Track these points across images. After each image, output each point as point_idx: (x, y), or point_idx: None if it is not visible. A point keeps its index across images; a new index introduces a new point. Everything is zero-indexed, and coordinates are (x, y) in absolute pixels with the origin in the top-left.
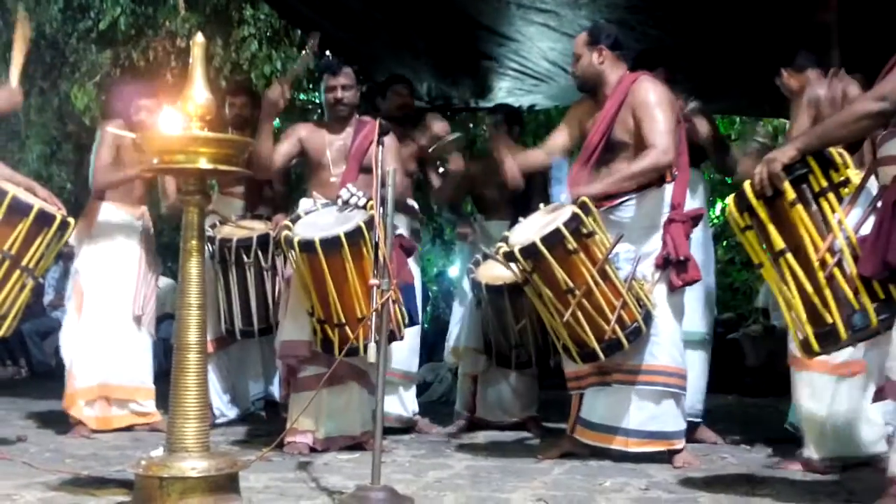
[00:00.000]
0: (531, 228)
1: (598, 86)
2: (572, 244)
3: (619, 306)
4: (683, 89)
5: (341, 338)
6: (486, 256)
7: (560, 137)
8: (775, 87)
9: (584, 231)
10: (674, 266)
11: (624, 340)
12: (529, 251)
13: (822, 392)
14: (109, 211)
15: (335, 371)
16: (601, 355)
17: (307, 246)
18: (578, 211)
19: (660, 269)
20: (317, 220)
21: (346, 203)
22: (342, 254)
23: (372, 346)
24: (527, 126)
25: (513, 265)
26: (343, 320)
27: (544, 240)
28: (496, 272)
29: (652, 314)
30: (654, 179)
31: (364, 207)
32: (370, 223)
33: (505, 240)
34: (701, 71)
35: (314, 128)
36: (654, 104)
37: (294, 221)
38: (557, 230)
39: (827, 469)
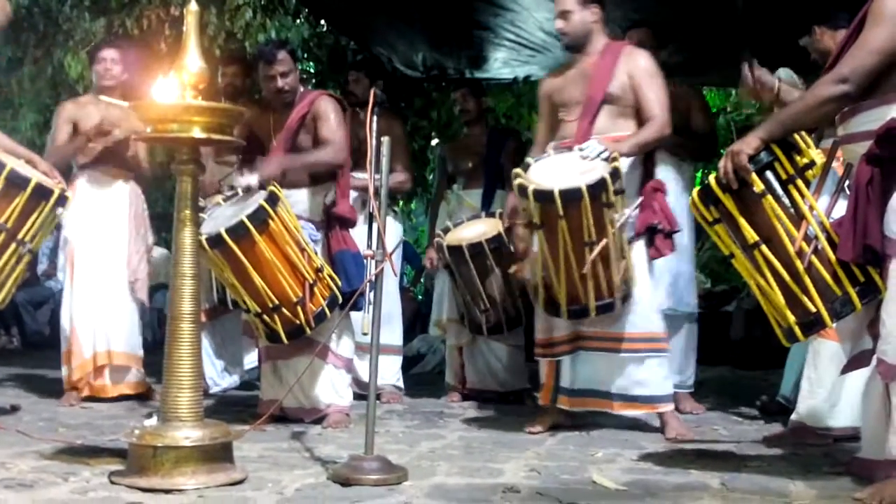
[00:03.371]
0: (566, 170)
1: (585, 45)
2: (610, 198)
3: (622, 268)
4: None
5: (282, 322)
6: (456, 224)
7: (545, 135)
8: (771, 58)
9: (617, 188)
10: (665, 236)
11: (618, 303)
12: (571, 195)
13: (828, 363)
14: (91, 178)
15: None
16: (592, 313)
17: (216, 240)
18: (619, 166)
19: (640, 236)
20: (221, 213)
21: (247, 191)
22: (252, 237)
23: (364, 317)
24: (522, 97)
25: (537, 204)
26: (277, 302)
27: (590, 187)
28: (459, 235)
29: (635, 280)
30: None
31: (264, 189)
32: (272, 199)
33: (525, 167)
34: (696, 42)
35: (260, 111)
36: (654, 75)
37: (199, 225)
38: (603, 180)
39: (819, 440)
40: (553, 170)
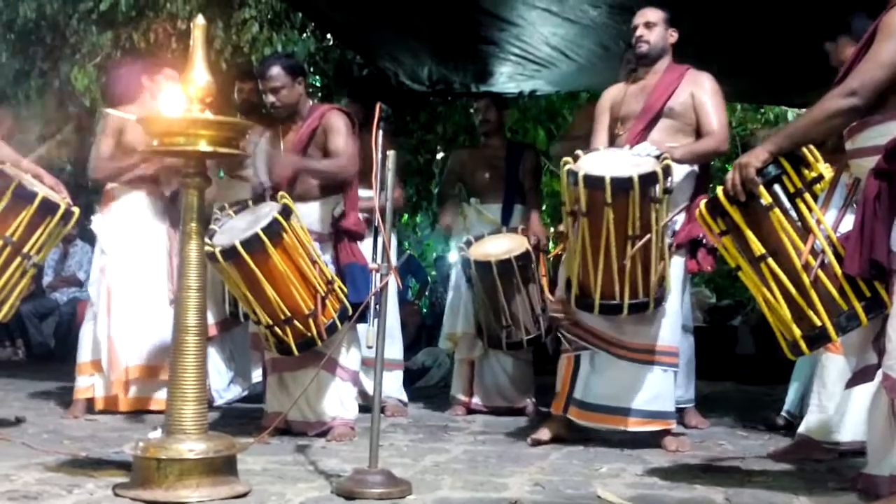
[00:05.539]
0: (617, 163)
1: (655, 61)
2: (659, 194)
3: (660, 269)
4: None
5: (294, 334)
6: (477, 238)
7: (604, 135)
8: (777, 74)
9: (667, 186)
10: (708, 251)
11: (652, 303)
12: (621, 183)
13: (837, 378)
14: (125, 192)
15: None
16: (625, 311)
17: (230, 253)
18: (670, 164)
19: (681, 248)
20: (233, 225)
21: (256, 202)
22: (266, 250)
23: (370, 330)
24: (528, 111)
25: (586, 190)
26: (289, 315)
27: (642, 178)
28: (486, 249)
29: (670, 287)
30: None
31: (275, 199)
32: (285, 212)
33: (575, 158)
34: (703, 57)
35: (269, 125)
36: (716, 94)
37: (211, 237)
38: (654, 173)
39: (825, 455)
40: (604, 161)
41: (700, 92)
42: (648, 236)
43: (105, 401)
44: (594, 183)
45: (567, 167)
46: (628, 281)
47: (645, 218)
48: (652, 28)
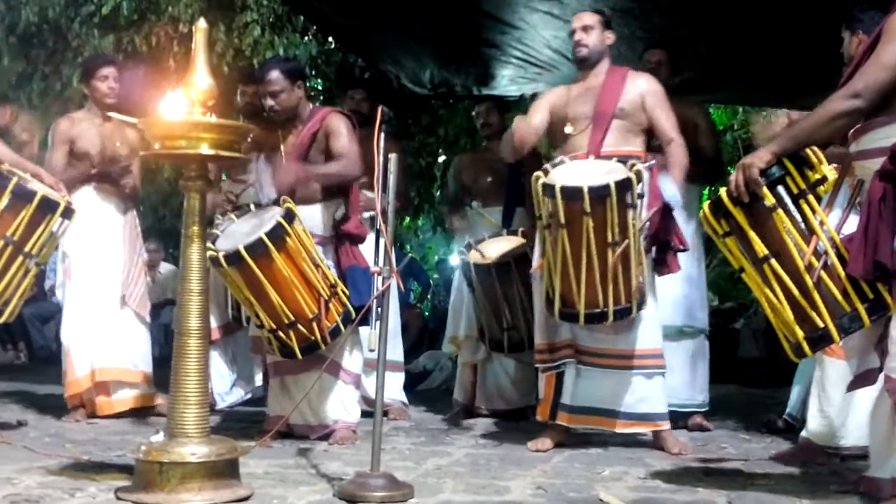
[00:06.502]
0: (588, 172)
1: (595, 64)
2: (634, 199)
3: (639, 273)
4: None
5: (298, 338)
6: (478, 241)
7: (541, 117)
8: (776, 77)
9: (639, 191)
10: (675, 253)
11: (635, 307)
12: (599, 192)
13: (836, 382)
14: (87, 194)
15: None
16: (610, 318)
17: (234, 258)
18: (642, 169)
19: (648, 253)
20: (237, 230)
21: (259, 206)
22: (270, 255)
23: (371, 333)
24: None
25: (564, 202)
26: (293, 319)
27: (618, 184)
28: (486, 252)
29: (647, 290)
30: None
31: (278, 204)
32: (289, 216)
33: (545, 172)
34: (704, 60)
35: (271, 128)
36: (663, 97)
37: (214, 241)
38: (629, 179)
39: (827, 458)
40: (575, 172)
41: (648, 94)
42: (627, 241)
43: (90, 404)
44: (572, 194)
45: (541, 181)
46: (611, 287)
47: (623, 224)
48: (589, 31)
